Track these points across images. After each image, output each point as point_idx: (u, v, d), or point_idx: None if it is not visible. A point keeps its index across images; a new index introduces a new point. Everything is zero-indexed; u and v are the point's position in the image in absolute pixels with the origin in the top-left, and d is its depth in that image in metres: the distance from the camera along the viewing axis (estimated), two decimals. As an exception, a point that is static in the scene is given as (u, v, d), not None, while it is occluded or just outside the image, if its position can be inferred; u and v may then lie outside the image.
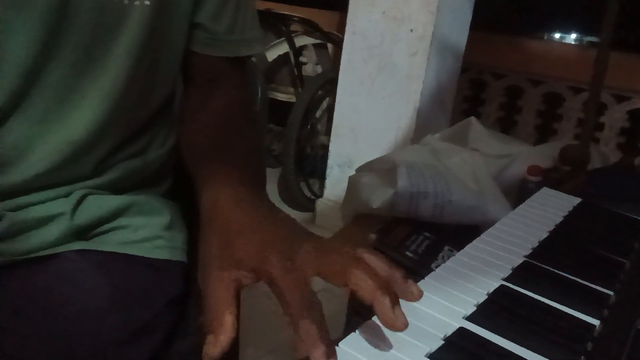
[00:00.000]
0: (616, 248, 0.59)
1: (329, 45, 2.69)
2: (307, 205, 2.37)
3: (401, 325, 0.34)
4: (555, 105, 2.58)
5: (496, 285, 0.47)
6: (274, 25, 2.51)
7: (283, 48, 2.48)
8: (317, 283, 0.39)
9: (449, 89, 2.07)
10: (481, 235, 0.58)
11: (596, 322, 0.44)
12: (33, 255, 0.52)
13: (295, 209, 2.39)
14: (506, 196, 0.98)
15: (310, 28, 2.57)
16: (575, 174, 0.97)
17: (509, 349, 0.39)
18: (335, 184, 2.20)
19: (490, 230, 0.59)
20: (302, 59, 2.60)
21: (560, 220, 0.64)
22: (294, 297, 0.35)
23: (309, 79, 2.49)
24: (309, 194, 2.43)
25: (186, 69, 0.64)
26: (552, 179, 0.98)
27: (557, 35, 2.94)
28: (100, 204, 0.55)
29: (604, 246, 0.59)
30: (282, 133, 2.38)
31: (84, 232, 0.54)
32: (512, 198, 0.99)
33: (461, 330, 0.40)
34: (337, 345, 0.37)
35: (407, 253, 0.84)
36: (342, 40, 2.08)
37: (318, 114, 2.40)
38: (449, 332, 0.40)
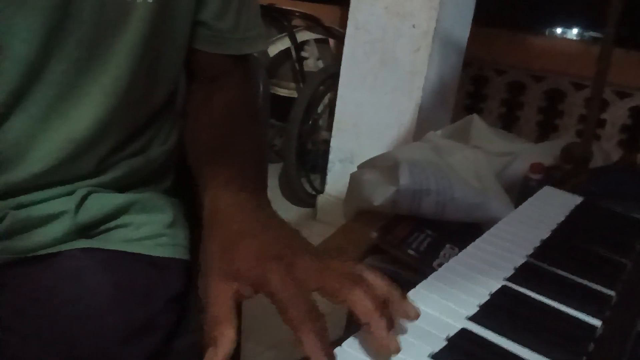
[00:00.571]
0: (618, 248, 0.59)
1: (331, 41, 2.68)
2: (308, 200, 2.37)
3: (393, 350, 0.35)
4: (557, 101, 2.57)
5: (498, 285, 0.47)
6: (276, 20, 2.50)
7: (285, 43, 2.48)
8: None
9: (451, 84, 2.07)
10: (483, 235, 0.58)
11: (598, 322, 0.44)
12: (36, 253, 0.52)
13: (297, 204, 2.39)
14: (508, 194, 0.98)
15: (312, 23, 2.56)
16: (578, 172, 0.97)
17: (511, 350, 0.39)
18: (337, 179, 2.20)
19: (492, 229, 0.59)
20: (303, 54, 2.60)
21: (562, 219, 0.64)
22: (296, 311, 0.36)
23: (310, 74, 2.48)
24: (310, 190, 2.43)
25: (189, 66, 0.64)
26: (554, 176, 0.98)
27: (559, 31, 2.93)
28: (103, 202, 0.55)
29: (606, 246, 0.59)
30: (283, 128, 2.37)
31: (87, 230, 0.55)
32: (514, 196, 0.99)
33: (463, 331, 0.40)
34: (340, 345, 0.37)
35: (409, 251, 0.84)
36: (344, 35, 2.08)
37: (320, 109, 2.40)
38: (452, 332, 0.40)
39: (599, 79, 1.02)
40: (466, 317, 0.42)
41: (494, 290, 0.47)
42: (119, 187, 0.58)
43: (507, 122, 2.64)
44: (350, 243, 1.02)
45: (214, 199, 0.47)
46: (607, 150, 1.21)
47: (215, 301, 0.39)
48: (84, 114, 0.53)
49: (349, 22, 2.03)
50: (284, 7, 2.57)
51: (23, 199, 0.53)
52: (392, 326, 0.36)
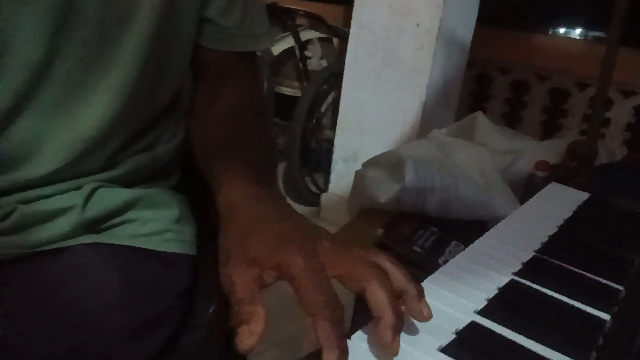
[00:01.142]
0: (625, 244, 0.59)
1: (334, 39, 2.68)
2: (312, 199, 2.38)
3: (392, 354, 0.35)
4: (561, 100, 2.56)
5: (506, 279, 0.47)
6: (280, 18, 2.50)
7: (288, 42, 2.48)
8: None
9: (455, 83, 2.06)
10: (490, 230, 0.58)
11: (607, 317, 0.44)
12: (44, 248, 0.52)
13: (300, 203, 2.39)
14: (513, 191, 0.98)
15: (316, 22, 2.56)
16: (583, 169, 0.97)
17: (520, 343, 0.39)
18: (340, 178, 2.19)
19: (499, 225, 0.59)
20: (306, 53, 2.60)
21: (569, 215, 0.64)
22: (316, 297, 0.35)
23: (314, 73, 2.48)
24: (313, 188, 2.43)
25: (195, 64, 0.64)
26: (560, 174, 0.98)
27: (562, 30, 2.93)
28: (110, 197, 0.55)
29: (613, 242, 0.59)
30: (286, 127, 2.37)
31: (94, 225, 0.55)
32: (519, 193, 0.99)
33: (472, 325, 0.40)
34: (349, 338, 0.37)
35: (414, 248, 0.84)
36: (347, 34, 2.07)
37: (323, 108, 2.40)
38: (461, 326, 0.40)
39: (604, 77, 1.02)
40: (475, 311, 0.42)
41: (502, 284, 0.47)
42: (125, 183, 0.58)
43: (511, 122, 2.64)
44: (354, 240, 1.02)
45: (229, 192, 0.47)
46: (611, 148, 1.21)
47: (240, 285, 0.38)
48: (91, 113, 0.53)
49: (352, 21, 2.03)
50: (287, 6, 2.57)
51: (31, 193, 0.53)
52: (401, 325, 0.35)
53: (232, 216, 0.44)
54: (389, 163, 1.01)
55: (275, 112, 2.23)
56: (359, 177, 1.06)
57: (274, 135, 2.48)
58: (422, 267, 0.80)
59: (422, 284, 0.45)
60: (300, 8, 2.57)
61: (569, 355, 0.38)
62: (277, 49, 2.42)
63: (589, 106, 2.44)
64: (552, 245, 0.55)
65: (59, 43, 0.49)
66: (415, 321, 0.38)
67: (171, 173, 0.66)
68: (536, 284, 0.47)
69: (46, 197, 0.53)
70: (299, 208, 2.38)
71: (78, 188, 0.54)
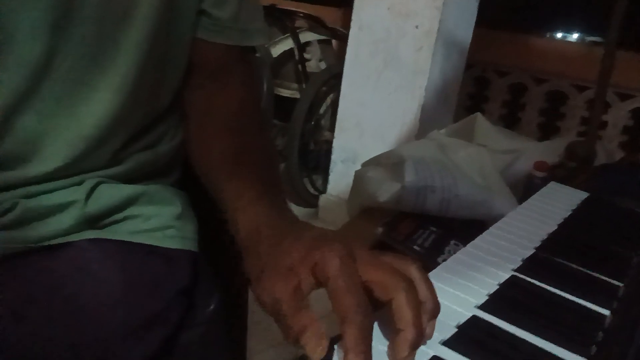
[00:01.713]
0: (625, 242, 0.59)
1: (334, 41, 2.68)
2: (310, 200, 2.38)
3: None
4: (558, 103, 2.57)
5: (507, 276, 0.48)
6: (279, 20, 2.50)
7: (288, 44, 2.48)
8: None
9: (453, 84, 2.07)
10: (490, 228, 0.58)
11: (606, 312, 0.44)
12: (46, 243, 0.52)
13: (299, 204, 2.39)
14: (512, 192, 0.99)
15: (315, 24, 2.57)
16: (582, 170, 0.97)
17: (521, 337, 0.39)
18: (339, 179, 2.20)
19: (499, 223, 0.60)
20: (305, 55, 2.60)
21: (569, 214, 0.64)
22: (349, 300, 0.34)
23: (313, 75, 2.49)
24: (312, 190, 2.44)
25: (192, 59, 0.63)
26: (558, 174, 0.98)
27: (559, 35, 2.94)
28: (111, 193, 0.55)
29: (613, 240, 0.59)
30: (285, 128, 2.38)
31: (96, 220, 0.55)
32: (518, 193, 1.00)
33: (474, 319, 0.40)
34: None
35: (414, 247, 0.85)
36: (346, 36, 2.08)
37: (322, 109, 2.40)
38: (462, 320, 0.40)
39: (604, 77, 1.02)
40: (475, 306, 0.43)
41: (502, 280, 0.47)
42: (127, 180, 0.58)
43: (509, 124, 2.65)
44: (354, 240, 1.02)
45: (249, 221, 0.47)
46: (610, 149, 1.22)
47: (282, 300, 0.37)
48: (93, 111, 0.53)
49: (352, 23, 2.04)
50: (287, 8, 2.57)
51: (32, 189, 0.53)
52: (420, 342, 0.36)
53: (256, 240, 0.44)
54: (388, 163, 1.02)
55: (274, 114, 2.23)
56: (358, 176, 1.07)
57: (274, 137, 2.49)
58: (422, 265, 0.81)
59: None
60: (299, 10, 2.58)
61: (570, 350, 0.38)
62: (277, 50, 2.43)
63: (586, 109, 2.45)
64: (551, 243, 0.56)
65: (59, 41, 0.49)
66: None
67: (172, 171, 0.66)
68: (536, 280, 0.48)
69: (48, 192, 0.53)
70: (297, 209, 2.39)
71: (80, 184, 0.54)
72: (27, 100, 0.50)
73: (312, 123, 2.36)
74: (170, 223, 0.58)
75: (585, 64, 2.31)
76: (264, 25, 0.66)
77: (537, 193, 0.71)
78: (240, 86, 0.65)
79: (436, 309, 0.38)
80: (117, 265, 0.53)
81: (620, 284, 0.49)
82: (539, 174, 0.99)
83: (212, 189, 0.56)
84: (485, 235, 0.56)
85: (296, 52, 2.51)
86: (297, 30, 2.51)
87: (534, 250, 0.53)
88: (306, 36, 2.56)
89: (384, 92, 2.00)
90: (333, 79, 2.32)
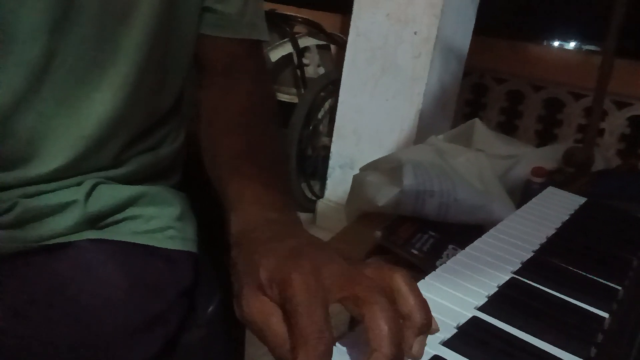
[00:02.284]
0: (623, 246, 0.59)
1: (332, 47, 2.69)
2: (308, 206, 2.38)
3: None
4: (555, 110, 2.59)
5: (506, 277, 0.48)
6: (278, 25, 2.51)
7: (287, 49, 2.49)
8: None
9: (451, 91, 2.08)
10: (489, 231, 0.58)
11: (606, 315, 0.44)
12: (47, 242, 0.52)
13: (296, 209, 2.39)
14: (510, 197, 0.99)
15: (314, 29, 2.58)
16: (580, 175, 0.98)
17: (521, 338, 0.39)
18: (337, 184, 2.20)
19: (499, 226, 0.60)
20: (304, 60, 2.61)
21: (567, 218, 0.65)
22: (307, 323, 0.32)
23: (311, 80, 2.49)
24: (309, 195, 2.44)
25: (200, 59, 0.62)
26: (556, 180, 0.99)
27: (557, 44, 2.96)
28: (112, 193, 0.55)
29: (612, 243, 0.60)
30: (283, 134, 2.38)
31: (96, 221, 0.55)
32: (516, 199, 1.00)
33: (474, 319, 0.41)
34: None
35: (413, 250, 0.85)
36: (345, 42, 2.09)
37: (320, 115, 2.41)
38: (462, 321, 0.40)
39: (602, 83, 1.03)
40: (475, 307, 0.43)
41: (501, 282, 0.47)
42: (128, 182, 0.58)
43: (506, 131, 2.66)
44: (352, 244, 1.02)
45: (243, 218, 0.46)
46: (607, 155, 1.22)
47: (263, 321, 0.35)
48: (94, 111, 0.53)
49: (350, 29, 2.05)
50: (286, 13, 2.58)
51: (33, 189, 0.53)
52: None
53: (243, 241, 0.43)
54: (387, 167, 1.02)
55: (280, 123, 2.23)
56: (357, 181, 1.07)
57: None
58: (420, 269, 0.81)
59: (423, 280, 0.46)
60: (299, 15, 2.59)
61: (569, 351, 0.39)
62: (275, 55, 2.43)
63: (583, 116, 2.47)
64: (550, 246, 0.56)
65: (59, 41, 0.49)
66: None
67: (173, 172, 0.66)
68: (535, 282, 0.48)
69: (47, 192, 0.53)
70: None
71: (79, 184, 0.54)
72: (27, 100, 0.50)
73: (310, 128, 2.37)
74: (171, 224, 0.58)
75: (582, 71, 2.32)
76: (265, 22, 0.66)
77: (536, 197, 0.71)
78: (251, 82, 0.64)
79: (425, 323, 0.34)
80: (119, 266, 0.53)
81: (619, 287, 0.49)
82: (537, 180, 1.00)
83: (214, 184, 0.56)
84: (484, 237, 0.56)
85: (295, 57, 2.52)
86: (296, 36, 2.52)
87: (533, 253, 0.54)
88: (305, 41, 2.57)
89: (381, 98, 2.01)
90: (331, 85, 2.33)
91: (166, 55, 0.58)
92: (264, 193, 0.50)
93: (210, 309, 0.63)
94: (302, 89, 2.52)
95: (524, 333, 0.40)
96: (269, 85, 0.68)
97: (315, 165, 2.43)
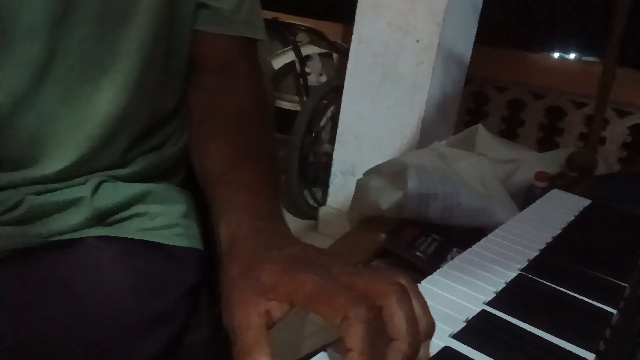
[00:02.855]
0: (629, 245, 0.59)
1: (334, 55, 2.71)
2: (310, 212, 2.38)
3: None
4: (557, 118, 2.60)
5: (514, 274, 0.48)
6: (281, 33, 2.53)
7: (289, 56, 2.50)
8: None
9: (453, 98, 2.09)
10: (496, 230, 0.58)
11: (613, 311, 0.44)
12: (54, 239, 0.52)
13: (298, 216, 2.39)
14: (513, 201, 0.99)
15: (317, 37, 2.59)
16: (583, 179, 0.98)
17: (530, 331, 0.40)
18: (338, 191, 2.20)
19: (504, 226, 0.60)
20: (306, 68, 2.62)
21: (572, 219, 0.65)
22: (343, 296, 0.31)
23: (313, 88, 2.50)
24: (311, 202, 2.44)
25: (193, 54, 0.61)
26: (559, 184, 0.99)
27: (556, 55, 2.97)
28: (117, 191, 0.55)
29: (618, 243, 0.60)
30: (285, 141, 2.39)
31: (103, 217, 0.55)
32: (519, 203, 1.00)
33: (483, 313, 0.41)
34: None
35: (417, 253, 0.85)
36: (347, 50, 2.10)
37: (322, 122, 2.42)
38: (471, 315, 0.41)
39: (603, 89, 1.03)
40: (484, 302, 0.43)
41: (509, 279, 0.47)
42: (133, 181, 0.58)
43: (508, 139, 2.65)
44: (355, 248, 1.02)
45: (232, 226, 0.45)
46: (609, 162, 1.22)
47: (245, 326, 0.34)
48: (97, 111, 0.53)
49: (353, 37, 2.06)
50: (289, 21, 2.60)
51: (40, 186, 0.53)
52: (415, 355, 0.32)
53: (234, 250, 0.42)
54: (390, 171, 1.02)
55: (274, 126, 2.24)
56: (360, 185, 1.07)
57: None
58: (424, 272, 0.81)
59: (430, 277, 0.46)
60: (301, 23, 2.60)
61: (578, 345, 0.39)
62: (278, 63, 2.44)
63: (584, 124, 2.47)
64: (556, 245, 0.56)
65: (59, 40, 0.49)
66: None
67: (177, 171, 0.66)
68: (543, 279, 0.48)
69: (55, 189, 0.53)
70: (296, 221, 2.39)
71: (85, 182, 0.54)
72: (28, 100, 0.49)
73: (312, 136, 2.37)
74: (177, 221, 0.58)
75: (583, 80, 2.34)
76: (262, 21, 0.64)
77: (540, 199, 0.72)
78: (244, 83, 0.63)
79: (430, 327, 0.34)
80: (127, 263, 0.53)
81: (626, 285, 0.49)
82: (540, 184, 1.00)
83: (204, 188, 0.55)
84: (490, 237, 0.56)
85: (297, 65, 2.53)
86: (299, 44, 2.53)
87: (539, 252, 0.54)
88: (307, 49, 2.58)
89: (383, 105, 2.02)
90: (333, 92, 2.33)
91: (168, 54, 0.58)
92: (254, 201, 0.48)
93: (214, 311, 0.63)
94: (305, 97, 2.53)
95: (532, 327, 0.40)
96: (264, 86, 0.66)
97: (317, 172, 2.44)
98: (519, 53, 2.66)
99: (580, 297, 0.46)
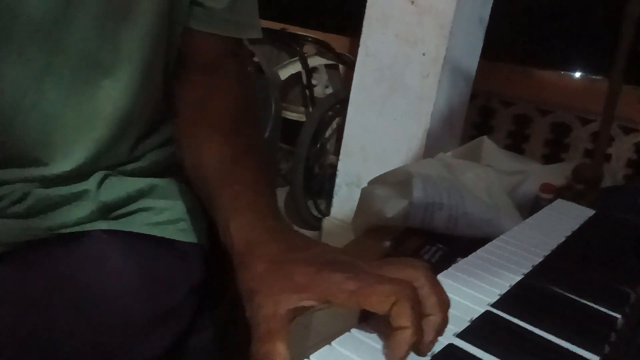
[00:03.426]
0: (633, 254, 0.59)
1: (340, 67, 2.72)
2: (314, 223, 2.38)
3: None
4: (563, 135, 2.59)
5: (518, 278, 0.48)
6: (288, 44, 2.54)
7: (296, 67, 2.51)
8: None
9: (459, 112, 2.09)
10: (501, 236, 0.58)
11: (618, 315, 0.44)
12: (60, 231, 0.52)
13: (302, 227, 2.39)
14: (519, 212, 0.99)
15: (324, 49, 2.61)
16: (589, 192, 0.98)
17: (534, 333, 0.39)
18: (343, 202, 2.20)
19: (510, 232, 0.60)
20: (312, 80, 2.63)
21: (577, 227, 0.65)
22: (388, 284, 0.35)
23: (319, 99, 2.51)
24: (316, 213, 2.44)
25: (184, 51, 0.60)
26: (565, 197, 0.99)
27: (562, 73, 2.98)
28: (123, 185, 0.55)
29: (622, 251, 0.60)
30: (290, 152, 2.39)
31: (109, 211, 0.54)
32: (525, 215, 1.00)
33: (487, 313, 0.41)
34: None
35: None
36: (353, 62, 2.11)
37: (327, 133, 2.42)
38: (475, 315, 0.40)
39: (609, 105, 1.03)
40: (488, 304, 0.43)
41: (513, 283, 0.47)
42: (139, 175, 0.58)
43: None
44: (359, 257, 1.02)
45: (244, 228, 0.45)
46: (616, 170, 1.22)
47: (272, 315, 0.36)
48: (102, 112, 0.53)
49: (359, 49, 2.07)
50: (296, 33, 2.62)
51: (46, 182, 0.53)
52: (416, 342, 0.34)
53: (256, 250, 0.43)
54: (395, 180, 1.02)
55: (279, 137, 2.25)
56: (365, 194, 1.07)
57: (278, 160, 2.50)
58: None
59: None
60: (308, 34, 2.62)
61: (582, 347, 0.38)
62: (285, 73, 2.46)
63: (590, 141, 2.47)
64: (561, 252, 0.56)
65: (59, 39, 0.48)
66: None
67: (181, 169, 0.66)
68: (547, 283, 0.48)
69: (60, 184, 0.53)
70: (300, 232, 2.39)
71: (89, 176, 0.54)
72: (30, 100, 0.49)
73: (318, 147, 2.38)
74: (182, 217, 0.57)
75: (589, 96, 2.34)
76: (258, 20, 0.64)
77: (545, 208, 0.72)
78: (235, 83, 0.63)
79: (443, 323, 0.36)
80: (133, 257, 0.53)
81: (631, 291, 0.49)
82: (546, 196, 1.00)
83: (204, 197, 0.55)
84: (495, 242, 0.56)
85: (304, 76, 2.54)
86: (306, 55, 2.54)
87: (544, 258, 0.54)
88: (314, 61, 2.59)
89: (389, 117, 2.02)
90: (339, 104, 2.34)
91: (170, 51, 0.58)
92: (260, 200, 0.49)
93: (219, 310, 0.63)
94: (310, 108, 2.54)
95: (537, 329, 0.40)
96: (250, 85, 0.66)
97: (322, 183, 2.44)
98: (526, 69, 2.67)
99: (585, 301, 0.46)
